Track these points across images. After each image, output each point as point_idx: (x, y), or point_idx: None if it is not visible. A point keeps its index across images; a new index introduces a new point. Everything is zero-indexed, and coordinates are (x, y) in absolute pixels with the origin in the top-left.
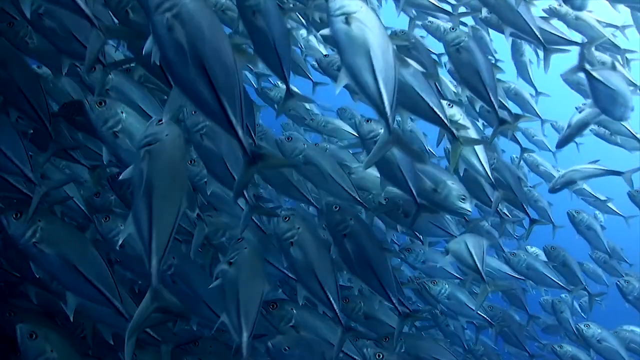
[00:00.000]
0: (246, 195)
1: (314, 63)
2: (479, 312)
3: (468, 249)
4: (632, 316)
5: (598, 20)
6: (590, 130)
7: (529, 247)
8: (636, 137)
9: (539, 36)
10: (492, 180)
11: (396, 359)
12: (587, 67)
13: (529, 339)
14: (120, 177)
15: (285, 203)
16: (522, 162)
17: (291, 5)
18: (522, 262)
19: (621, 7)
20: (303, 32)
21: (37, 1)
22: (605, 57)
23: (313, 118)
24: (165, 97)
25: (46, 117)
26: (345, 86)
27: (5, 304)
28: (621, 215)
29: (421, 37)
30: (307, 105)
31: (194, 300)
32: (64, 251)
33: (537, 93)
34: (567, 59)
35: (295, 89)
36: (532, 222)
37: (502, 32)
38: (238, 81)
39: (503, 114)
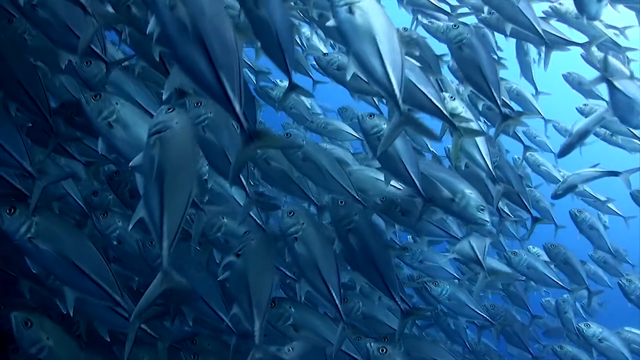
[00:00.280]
0: (246, 188)
1: (314, 62)
2: (479, 312)
3: (470, 243)
4: (633, 319)
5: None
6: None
7: (531, 247)
8: (638, 137)
9: (540, 31)
10: (494, 174)
11: (399, 353)
12: (609, 77)
13: (531, 340)
14: (131, 164)
15: (284, 203)
16: (525, 162)
17: (292, 3)
18: (522, 261)
19: (621, 7)
20: (305, 30)
21: None
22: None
23: (313, 120)
24: (162, 90)
25: (45, 109)
26: (345, 85)
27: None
28: (621, 215)
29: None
30: (308, 104)
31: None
32: (60, 246)
33: (537, 92)
34: (567, 58)
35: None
36: (535, 220)
37: (501, 32)
38: (238, 59)
39: (505, 110)
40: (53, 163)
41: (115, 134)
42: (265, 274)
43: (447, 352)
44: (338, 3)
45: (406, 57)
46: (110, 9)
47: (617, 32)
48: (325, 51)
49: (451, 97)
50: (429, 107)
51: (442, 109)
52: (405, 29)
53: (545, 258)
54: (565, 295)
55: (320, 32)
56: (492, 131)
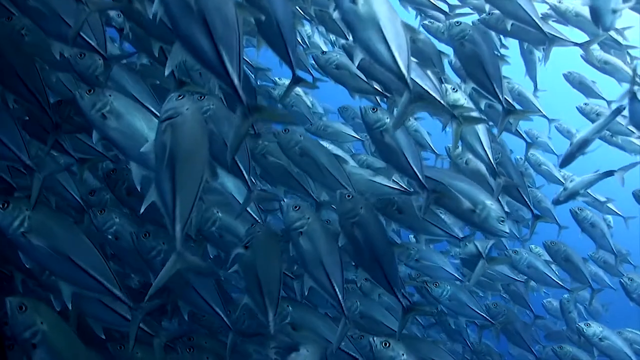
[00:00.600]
0: (247, 180)
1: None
2: (480, 312)
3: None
4: (633, 321)
5: None
6: None
7: (533, 246)
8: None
9: (541, 26)
10: (494, 165)
11: (402, 347)
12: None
13: (532, 340)
14: (142, 150)
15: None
16: (527, 163)
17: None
18: (523, 260)
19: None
20: (307, 28)
21: None
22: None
23: (313, 122)
24: (158, 81)
25: (44, 100)
26: (344, 85)
27: None
28: (621, 215)
29: None
30: (309, 103)
31: (184, 287)
32: (54, 240)
33: (536, 89)
34: (568, 58)
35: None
36: (535, 218)
37: (500, 33)
38: (238, 34)
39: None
40: (51, 159)
41: (109, 124)
42: (274, 264)
43: (446, 352)
44: None
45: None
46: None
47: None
48: (325, 49)
49: (453, 89)
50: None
51: (439, 100)
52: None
53: (548, 258)
54: (566, 295)
55: (319, 31)
56: (493, 131)
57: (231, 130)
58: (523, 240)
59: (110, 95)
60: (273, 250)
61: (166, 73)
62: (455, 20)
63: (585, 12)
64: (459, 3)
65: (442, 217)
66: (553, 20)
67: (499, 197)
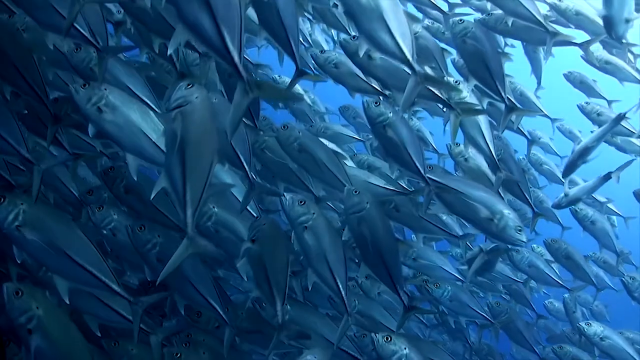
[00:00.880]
0: (249, 173)
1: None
2: (480, 312)
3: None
4: (633, 322)
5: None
6: (591, 131)
7: (535, 246)
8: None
9: (541, 20)
10: (495, 157)
11: (403, 341)
12: None
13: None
14: (156, 138)
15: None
16: (530, 162)
17: None
18: (524, 259)
19: None
20: (308, 26)
21: None
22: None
23: (313, 124)
24: (153, 72)
25: (41, 91)
26: (344, 84)
27: None
28: (621, 215)
29: None
30: (310, 101)
31: (179, 280)
32: (48, 234)
33: (539, 86)
34: (569, 58)
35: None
36: (535, 215)
37: (499, 33)
38: (240, 14)
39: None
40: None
41: (105, 118)
42: (280, 256)
43: (445, 353)
44: None
45: None
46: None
47: None
48: (326, 48)
49: (456, 82)
50: (425, 93)
51: (436, 92)
52: None
53: (549, 258)
54: (566, 295)
55: (318, 30)
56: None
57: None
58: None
59: (105, 89)
60: (279, 242)
61: (169, 52)
62: (459, 18)
63: (586, 10)
64: (459, 2)
65: (444, 217)
66: (551, 21)
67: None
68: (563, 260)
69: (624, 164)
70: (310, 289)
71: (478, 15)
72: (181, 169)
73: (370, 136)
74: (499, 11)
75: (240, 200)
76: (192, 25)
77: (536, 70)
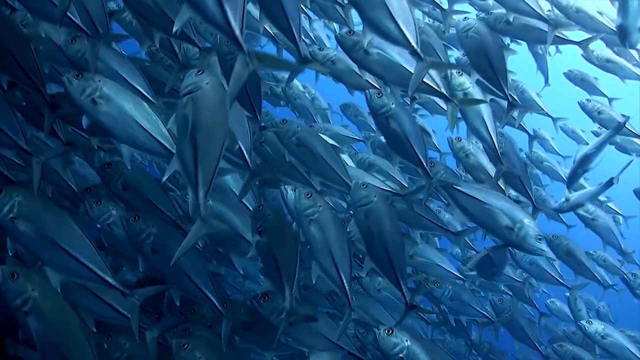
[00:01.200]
0: (248, 161)
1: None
2: (481, 311)
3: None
4: (633, 322)
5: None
6: (592, 132)
7: None
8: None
9: (542, 14)
10: (497, 148)
11: (404, 334)
12: None
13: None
14: (168, 126)
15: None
16: (530, 160)
17: None
18: (525, 257)
19: None
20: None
21: None
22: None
23: (312, 125)
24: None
25: (38, 79)
26: (343, 81)
27: None
28: (621, 215)
29: None
30: (309, 96)
31: (174, 271)
32: (42, 226)
33: (546, 83)
34: (569, 57)
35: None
36: (535, 209)
37: (499, 33)
38: None
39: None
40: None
41: (100, 109)
42: (290, 245)
43: (444, 352)
44: None
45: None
46: None
47: None
48: (328, 45)
49: (458, 73)
50: (424, 87)
51: (433, 85)
52: None
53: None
54: (566, 294)
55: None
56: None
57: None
58: None
59: (99, 81)
60: (287, 232)
61: (174, 29)
62: (464, 17)
63: (587, 8)
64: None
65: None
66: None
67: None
68: (564, 256)
69: (625, 166)
70: (311, 284)
71: (475, 11)
72: (193, 152)
73: (372, 134)
74: (499, 10)
75: (237, 195)
76: (197, 3)
77: (542, 67)
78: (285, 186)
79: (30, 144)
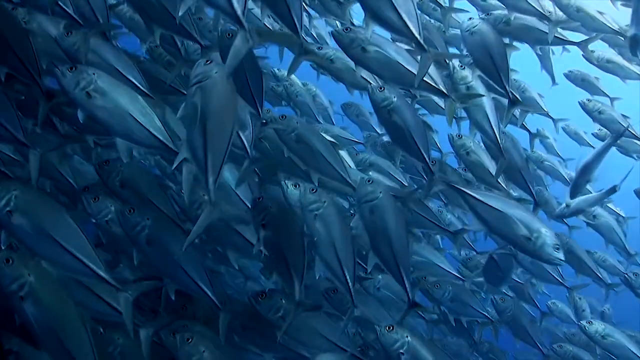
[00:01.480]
0: (247, 148)
1: None
2: (482, 311)
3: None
4: (634, 322)
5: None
6: (592, 134)
7: None
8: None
9: (542, 11)
10: (499, 142)
11: (405, 329)
12: None
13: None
14: (178, 115)
15: None
16: (530, 159)
17: None
18: (525, 256)
19: (620, 5)
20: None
21: None
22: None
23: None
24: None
25: (35, 71)
26: (342, 80)
27: None
28: (621, 215)
29: None
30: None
31: (169, 264)
32: (38, 220)
33: (554, 83)
34: (570, 57)
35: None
36: (536, 205)
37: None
38: None
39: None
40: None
41: (95, 103)
42: (296, 239)
43: (446, 353)
44: None
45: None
46: None
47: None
48: (330, 43)
49: (461, 67)
50: (422, 84)
51: (432, 83)
52: None
53: None
54: (566, 295)
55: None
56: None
57: None
58: None
59: (94, 74)
60: (292, 220)
61: (180, 13)
62: (469, 17)
63: (588, 8)
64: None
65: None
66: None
67: (505, 187)
68: (565, 255)
69: (627, 173)
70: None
71: (475, 10)
72: (202, 139)
73: (373, 133)
74: (499, 11)
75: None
76: None
77: (546, 67)
78: (286, 181)
79: (28, 137)
